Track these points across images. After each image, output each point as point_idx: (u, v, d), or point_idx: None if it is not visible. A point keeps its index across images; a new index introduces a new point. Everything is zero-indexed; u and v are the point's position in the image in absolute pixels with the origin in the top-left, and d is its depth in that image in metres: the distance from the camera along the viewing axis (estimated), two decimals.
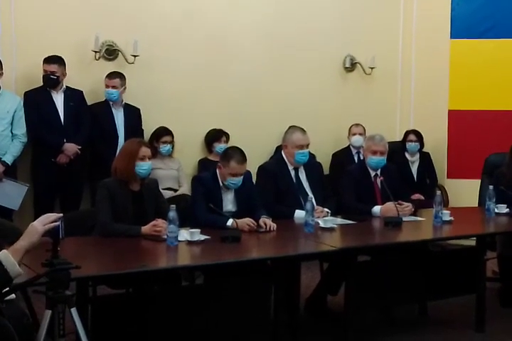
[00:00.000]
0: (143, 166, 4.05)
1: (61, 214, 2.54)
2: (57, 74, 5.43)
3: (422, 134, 6.84)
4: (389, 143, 5.15)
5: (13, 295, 2.56)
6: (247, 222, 4.12)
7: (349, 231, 4.36)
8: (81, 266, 2.58)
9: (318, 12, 6.92)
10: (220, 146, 6.11)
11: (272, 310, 3.78)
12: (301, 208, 4.53)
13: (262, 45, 6.63)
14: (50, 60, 5.41)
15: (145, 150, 4.09)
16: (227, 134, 6.32)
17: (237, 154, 4.37)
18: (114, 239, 3.76)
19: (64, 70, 5.48)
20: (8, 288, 2.41)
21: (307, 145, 4.81)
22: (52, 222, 2.48)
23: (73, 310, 2.54)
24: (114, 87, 5.70)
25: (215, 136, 6.29)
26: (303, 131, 4.89)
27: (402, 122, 7.40)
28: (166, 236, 3.67)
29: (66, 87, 5.55)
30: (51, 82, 5.44)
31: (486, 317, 4.45)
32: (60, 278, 2.47)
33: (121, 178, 4.03)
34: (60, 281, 2.47)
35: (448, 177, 7.07)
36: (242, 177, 4.35)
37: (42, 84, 5.47)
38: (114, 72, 5.76)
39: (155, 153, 5.62)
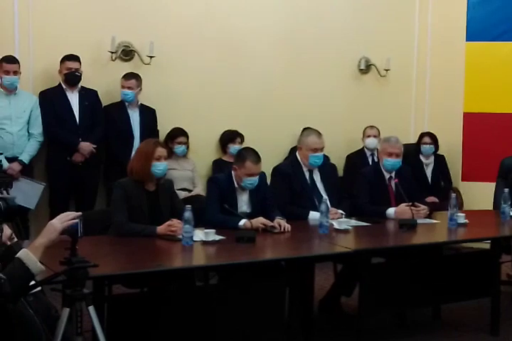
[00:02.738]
0: (159, 166, 4.07)
1: (80, 213, 2.56)
2: (80, 72, 5.48)
3: (437, 136, 6.83)
4: (403, 145, 5.14)
5: (38, 288, 2.58)
6: (261, 221, 4.13)
7: (363, 233, 4.36)
8: (99, 265, 2.60)
9: (333, 14, 6.92)
10: (234, 147, 6.12)
11: (285, 310, 3.78)
12: (316, 210, 4.54)
13: (277, 47, 6.64)
14: (72, 57, 5.46)
15: (161, 151, 4.12)
16: (242, 135, 6.32)
17: (251, 154, 4.38)
18: (130, 239, 3.78)
19: (81, 69, 5.54)
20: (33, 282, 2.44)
21: (322, 149, 4.81)
22: (70, 220, 2.51)
23: (91, 309, 2.56)
24: (129, 88, 5.72)
25: (229, 137, 6.30)
26: (318, 133, 4.88)
27: (417, 124, 7.38)
28: (181, 236, 3.69)
29: (81, 86, 5.58)
30: (76, 79, 5.49)
31: (500, 321, 4.42)
32: (78, 277, 2.48)
33: (137, 178, 4.06)
34: (78, 279, 2.49)
35: (463, 180, 7.04)
36: (258, 177, 4.36)
37: (58, 83, 5.52)
38: (131, 73, 5.79)
39: (170, 154, 5.64)
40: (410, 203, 4.67)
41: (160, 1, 6.07)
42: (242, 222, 4.15)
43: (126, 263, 3.42)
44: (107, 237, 3.93)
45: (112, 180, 4.60)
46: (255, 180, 4.35)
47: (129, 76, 5.75)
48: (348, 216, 4.67)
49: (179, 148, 5.99)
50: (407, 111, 7.41)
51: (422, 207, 4.77)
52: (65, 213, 2.55)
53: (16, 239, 2.64)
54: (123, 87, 5.73)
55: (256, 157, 4.36)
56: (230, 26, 6.37)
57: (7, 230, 2.58)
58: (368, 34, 7.06)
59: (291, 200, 4.69)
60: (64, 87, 5.51)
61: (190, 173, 6.06)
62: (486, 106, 6.97)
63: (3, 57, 5.25)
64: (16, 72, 5.23)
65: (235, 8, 6.42)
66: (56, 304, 2.82)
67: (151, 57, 5.91)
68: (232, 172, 4.40)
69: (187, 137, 6.04)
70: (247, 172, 4.31)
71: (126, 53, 5.94)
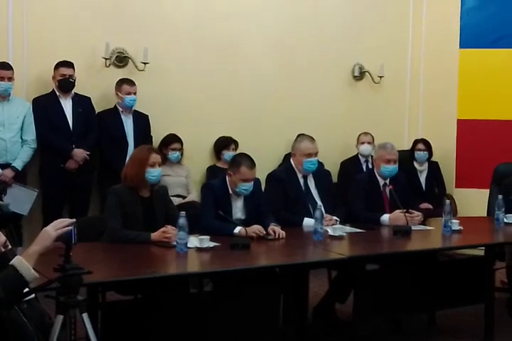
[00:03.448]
0: (153, 173, 4.06)
1: (74, 220, 2.54)
2: (74, 78, 5.47)
3: (431, 143, 6.84)
4: (397, 152, 5.14)
5: (32, 295, 2.56)
6: (254, 230, 4.12)
7: (358, 239, 4.35)
8: (93, 271, 2.58)
9: (328, 21, 6.93)
10: (228, 154, 6.11)
11: (280, 317, 3.77)
12: (310, 216, 4.54)
13: (271, 54, 6.65)
14: (67, 63, 5.45)
15: (155, 157, 4.11)
16: (236, 142, 6.31)
17: (246, 160, 4.39)
18: (124, 246, 3.77)
19: (75, 75, 5.53)
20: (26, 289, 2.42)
21: (315, 154, 4.81)
22: (64, 227, 2.49)
23: (85, 316, 2.54)
24: (135, 93, 5.73)
25: (224, 143, 6.28)
26: (312, 139, 4.89)
27: (411, 131, 7.40)
28: (175, 243, 3.69)
29: (74, 93, 5.56)
30: (70, 85, 5.48)
31: (494, 327, 4.42)
32: (72, 283, 2.47)
33: (131, 185, 4.05)
34: (72, 286, 2.47)
35: (456, 187, 7.05)
36: (252, 182, 4.35)
37: (51, 90, 5.49)
38: (129, 79, 5.79)
39: (164, 160, 5.64)
40: (404, 210, 4.67)
41: (154, 7, 6.06)
42: (238, 229, 4.14)
43: (120, 270, 3.40)
44: (101, 244, 3.91)
45: (106, 186, 4.58)
46: (250, 185, 4.34)
47: (131, 82, 5.75)
48: (343, 222, 4.67)
49: (173, 155, 5.98)
50: (401, 117, 7.43)
51: (416, 213, 4.77)
52: (59, 220, 2.53)
53: (10, 247, 2.62)
54: (129, 93, 5.70)
55: (251, 162, 4.36)
56: (224, 33, 6.37)
57: (1, 237, 2.56)
58: (361, 41, 7.08)
59: (285, 207, 4.69)
60: (57, 93, 5.50)
61: (184, 179, 6.05)
62: (480, 112, 7.00)
63: None
64: (10, 78, 5.23)
65: (230, 14, 6.42)
66: (50, 311, 2.81)
67: (145, 63, 5.90)
68: (227, 178, 4.40)
69: (181, 143, 6.03)
70: (242, 177, 4.30)
71: (121, 60, 5.92)
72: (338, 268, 4.56)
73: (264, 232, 4.13)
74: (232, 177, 4.35)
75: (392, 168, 4.95)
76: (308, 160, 4.75)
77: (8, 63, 5.27)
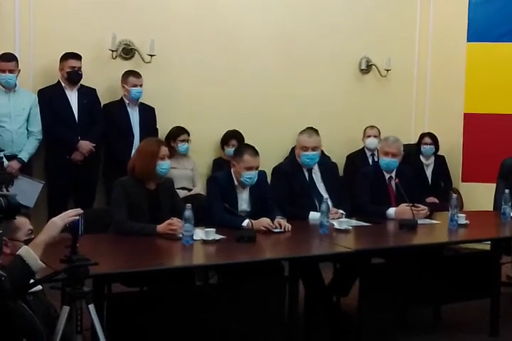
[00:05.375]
0: (163, 166, 4.07)
1: (81, 211, 2.54)
2: (81, 70, 5.46)
3: (437, 137, 6.82)
4: (404, 145, 5.12)
5: (39, 287, 2.56)
6: (263, 224, 4.11)
7: (364, 233, 4.35)
8: (99, 263, 2.58)
9: (334, 13, 6.90)
10: (228, 150, 6.10)
11: (285, 310, 3.76)
12: (315, 209, 4.54)
13: (278, 47, 6.62)
14: (76, 55, 5.45)
15: (165, 150, 4.13)
16: (241, 136, 6.25)
17: (248, 148, 4.41)
18: (130, 237, 3.77)
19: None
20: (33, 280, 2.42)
21: (313, 148, 4.74)
22: (72, 217, 2.49)
23: (91, 307, 2.54)
24: (141, 85, 5.72)
25: (226, 138, 6.23)
26: (312, 133, 4.86)
27: (417, 125, 7.37)
28: (181, 235, 3.68)
29: (80, 85, 5.56)
30: (78, 77, 5.48)
31: (500, 322, 4.42)
32: (78, 275, 2.47)
33: (139, 177, 4.04)
34: (78, 277, 2.47)
35: (463, 181, 7.03)
36: (257, 171, 4.34)
37: (57, 81, 5.49)
38: (135, 71, 5.77)
39: (173, 153, 5.67)
40: (410, 203, 4.65)
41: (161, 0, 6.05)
42: (245, 222, 4.13)
43: (126, 261, 3.41)
44: (107, 236, 3.92)
45: (112, 178, 4.59)
46: (254, 174, 4.33)
47: (137, 74, 5.74)
48: (349, 216, 4.65)
49: (183, 146, 5.97)
50: (408, 111, 7.40)
51: (422, 207, 4.75)
52: (67, 211, 2.53)
53: (33, 236, 2.63)
54: (135, 85, 5.69)
55: (253, 150, 4.37)
56: (230, 26, 6.35)
57: (27, 225, 2.57)
58: (368, 34, 7.05)
59: (290, 200, 4.67)
60: (63, 85, 5.49)
61: (189, 172, 6.04)
62: (487, 106, 6.96)
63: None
64: (12, 71, 5.19)
65: (235, 7, 6.40)
66: (55, 303, 2.81)
67: (151, 55, 5.89)
68: (232, 169, 4.39)
69: (188, 134, 6.02)
70: (246, 165, 4.29)
71: (127, 52, 5.92)
72: (343, 262, 4.54)
73: (273, 226, 4.12)
74: (236, 167, 4.34)
75: (390, 160, 4.91)
76: (304, 153, 4.72)
77: (9, 55, 5.22)
